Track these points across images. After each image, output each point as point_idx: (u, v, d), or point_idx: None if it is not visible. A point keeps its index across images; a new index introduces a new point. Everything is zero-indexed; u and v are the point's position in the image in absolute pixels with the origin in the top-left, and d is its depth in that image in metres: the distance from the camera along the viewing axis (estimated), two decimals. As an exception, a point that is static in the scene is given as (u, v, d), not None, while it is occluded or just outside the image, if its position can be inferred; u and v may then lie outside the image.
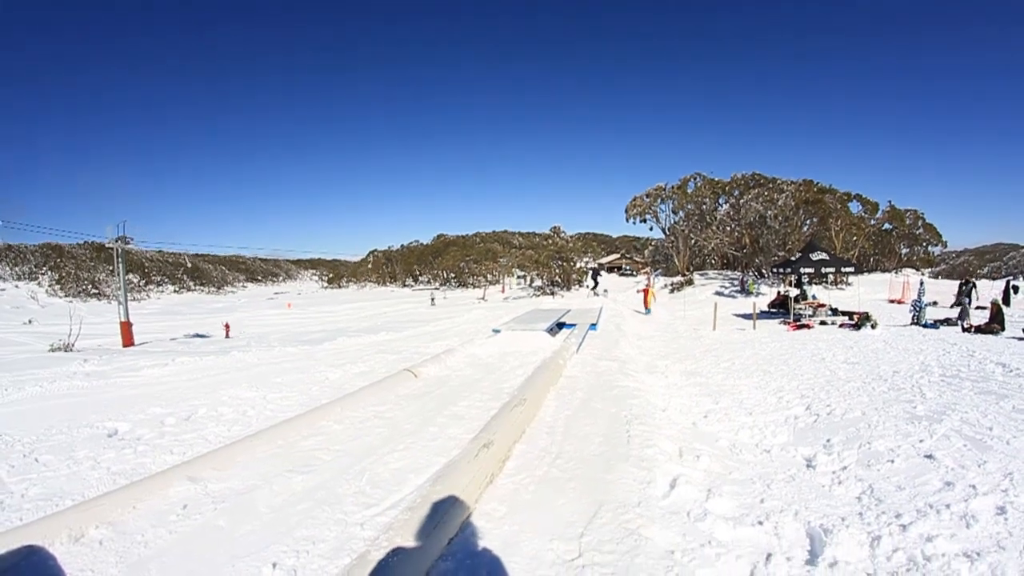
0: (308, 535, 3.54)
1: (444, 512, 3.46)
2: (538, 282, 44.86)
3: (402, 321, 24.01)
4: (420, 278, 76.28)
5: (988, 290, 20.91)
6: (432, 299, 43.04)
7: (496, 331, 13.48)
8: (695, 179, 43.92)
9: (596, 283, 38.15)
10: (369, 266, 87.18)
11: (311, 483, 4.43)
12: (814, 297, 18.89)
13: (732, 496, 4.01)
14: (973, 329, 12.15)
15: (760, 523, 3.55)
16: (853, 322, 14.45)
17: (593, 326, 15.02)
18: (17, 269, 66.22)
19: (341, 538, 3.50)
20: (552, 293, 40.49)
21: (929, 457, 4.38)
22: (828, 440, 5.15)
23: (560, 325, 15.39)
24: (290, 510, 3.94)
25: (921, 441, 4.77)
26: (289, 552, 3.33)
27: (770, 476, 4.46)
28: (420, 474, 4.52)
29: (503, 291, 49.76)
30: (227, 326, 27.78)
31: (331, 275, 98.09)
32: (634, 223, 46.91)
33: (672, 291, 34.96)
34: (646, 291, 24.22)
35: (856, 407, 6.11)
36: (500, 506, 3.89)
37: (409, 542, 3.06)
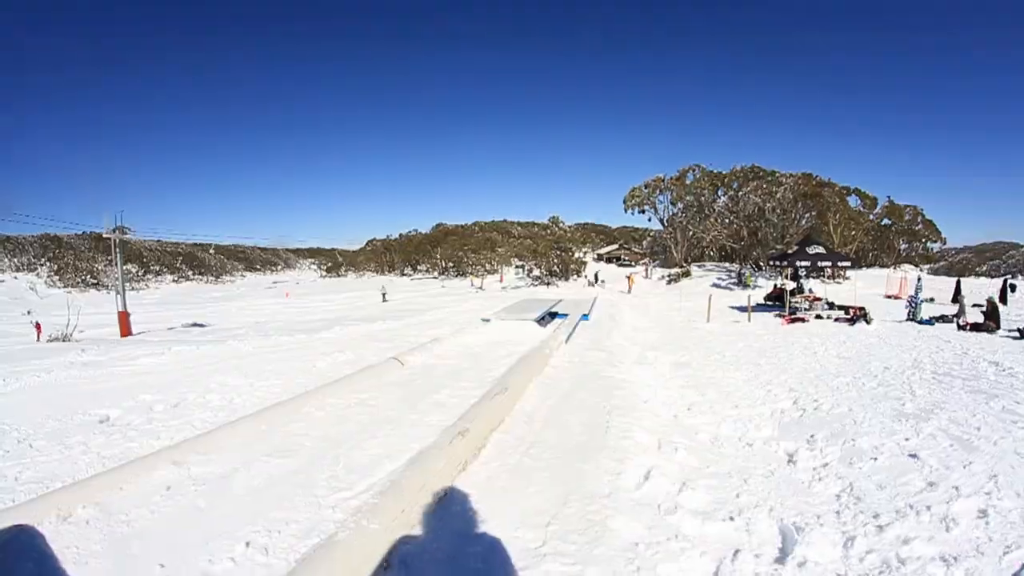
0: (282, 516, 3.63)
1: (412, 497, 3.55)
2: (536, 272, 44.68)
3: (399, 310, 23.95)
4: (419, 267, 76.01)
5: (978, 288, 20.77)
6: (383, 294, 36.59)
7: (486, 320, 13.40)
8: (694, 171, 43.92)
9: (597, 277, 38.88)
10: (368, 255, 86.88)
11: (289, 467, 4.50)
12: (810, 291, 18.76)
13: (707, 490, 3.93)
14: (968, 327, 12.05)
15: (732, 518, 3.46)
16: (848, 317, 14.36)
17: (585, 316, 14.94)
18: (16, 260, 66.03)
19: (313, 520, 3.58)
20: (549, 283, 40.46)
21: (913, 456, 4.29)
22: (812, 435, 5.07)
23: (552, 315, 15.30)
24: (267, 493, 4.02)
25: (907, 439, 4.68)
26: (262, 532, 3.43)
27: (749, 471, 4.38)
28: (395, 460, 4.51)
29: (501, 280, 49.73)
30: (38, 327, 18.33)
31: (330, 264, 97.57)
32: (632, 214, 47.33)
33: (669, 283, 34.97)
34: (630, 277, 34.08)
35: (843, 403, 6.03)
36: (471, 492, 3.86)
37: (375, 525, 3.16)
